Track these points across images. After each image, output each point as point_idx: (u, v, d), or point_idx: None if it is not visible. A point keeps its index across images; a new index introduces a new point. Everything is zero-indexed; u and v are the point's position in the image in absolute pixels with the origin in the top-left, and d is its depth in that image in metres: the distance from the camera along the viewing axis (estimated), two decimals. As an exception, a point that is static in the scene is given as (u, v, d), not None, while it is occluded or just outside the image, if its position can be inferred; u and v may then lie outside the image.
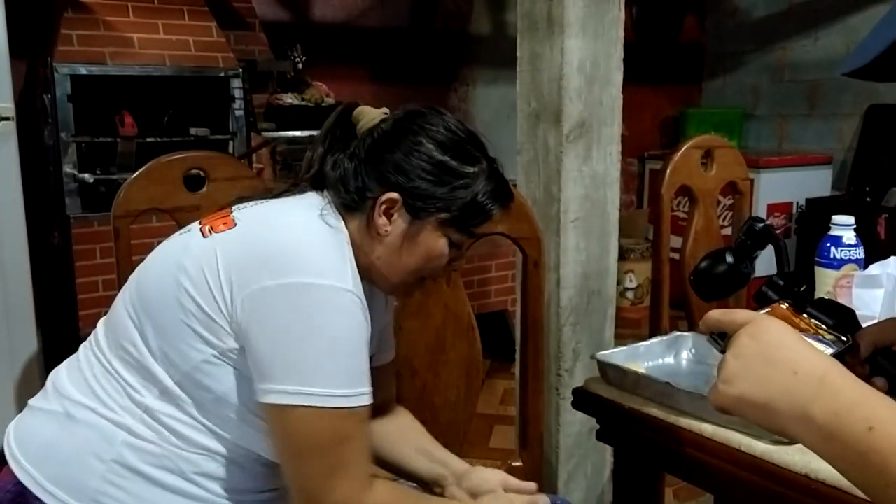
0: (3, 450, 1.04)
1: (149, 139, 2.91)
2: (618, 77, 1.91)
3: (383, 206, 1.04)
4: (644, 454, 1.27)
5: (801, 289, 0.99)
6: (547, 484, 1.93)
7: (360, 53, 3.97)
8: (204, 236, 1.01)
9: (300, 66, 3.50)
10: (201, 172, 1.36)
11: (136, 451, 0.99)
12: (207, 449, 1.01)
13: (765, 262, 1.17)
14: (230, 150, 3.08)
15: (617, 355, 1.32)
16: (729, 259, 1.17)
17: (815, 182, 4.32)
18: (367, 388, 0.98)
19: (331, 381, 0.94)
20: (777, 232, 1.18)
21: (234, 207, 1.06)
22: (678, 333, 1.42)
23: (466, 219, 1.06)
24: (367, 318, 0.99)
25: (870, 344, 0.96)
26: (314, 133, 3.20)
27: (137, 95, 2.99)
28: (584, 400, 1.31)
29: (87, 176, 2.82)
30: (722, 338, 0.76)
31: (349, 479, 0.96)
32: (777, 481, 1.01)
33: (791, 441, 0.96)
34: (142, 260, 1.09)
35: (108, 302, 1.10)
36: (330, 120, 1.12)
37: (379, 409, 1.24)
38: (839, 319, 0.91)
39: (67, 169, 2.80)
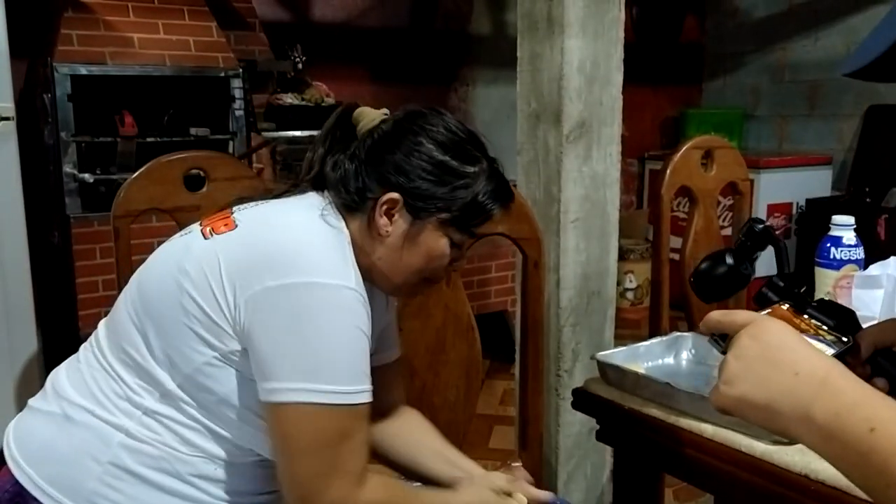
0: (2, 450, 1.04)
1: (149, 139, 2.91)
2: (618, 77, 1.91)
3: (384, 207, 1.04)
4: (644, 454, 1.27)
5: (802, 290, 1.00)
6: (547, 484, 1.93)
7: (360, 53, 3.97)
8: (205, 238, 1.01)
9: (300, 66, 3.50)
10: (201, 172, 1.36)
11: (132, 452, 0.99)
12: (206, 451, 1.01)
13: (765, 263, 1.17)
14: (230, 150, 3.08)
15: (617, 356, 1.32)
16: (729, 260, 1.17)
17: (815, 182, 4.32)
18: (368, 386, 0.98)
19: (334, 377, 0.94)
20: (777, 232, 1.18)
21: (234, 208, 1.06)
22: (678, 334, 1.41)
23: (467, 219, 1.06)
24: (370, 316, 1.00)
25: (870, 344, 0.96)
26: (314, 133, 3.20)
27: (137, 95, 2.99)
28: (583, 400, 1.31)
29: (87, 176, 2.82)
30: (723, 339, 0.76)
31: (344, 477, 0.97)
32: (777, 482, 1.01)
33: (791, 442, 0.97)
34: (142, 260, 1.08)
35: (108, 302, 1.10)
36: (330, 121, 1.12)
37: (391, 411, 1.24)
38: (840, 320, 0.91)
39: (67, 169, 2.80)
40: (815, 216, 4.09)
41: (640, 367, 1.30)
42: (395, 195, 1.03)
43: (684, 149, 1.81)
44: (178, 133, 3.00)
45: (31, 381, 2.26)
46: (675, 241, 1.82)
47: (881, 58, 0.69)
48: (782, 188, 4.21)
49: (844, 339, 0.88)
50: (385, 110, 1.11)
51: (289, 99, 3.38)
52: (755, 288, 1.07)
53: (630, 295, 4.18)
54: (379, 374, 1.22)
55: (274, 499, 1.08)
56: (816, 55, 4.49)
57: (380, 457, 1.25)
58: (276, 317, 0.94)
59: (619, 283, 3.32)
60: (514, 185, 1.14)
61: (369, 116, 1.09)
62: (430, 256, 1.06)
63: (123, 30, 2.94)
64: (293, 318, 0.93)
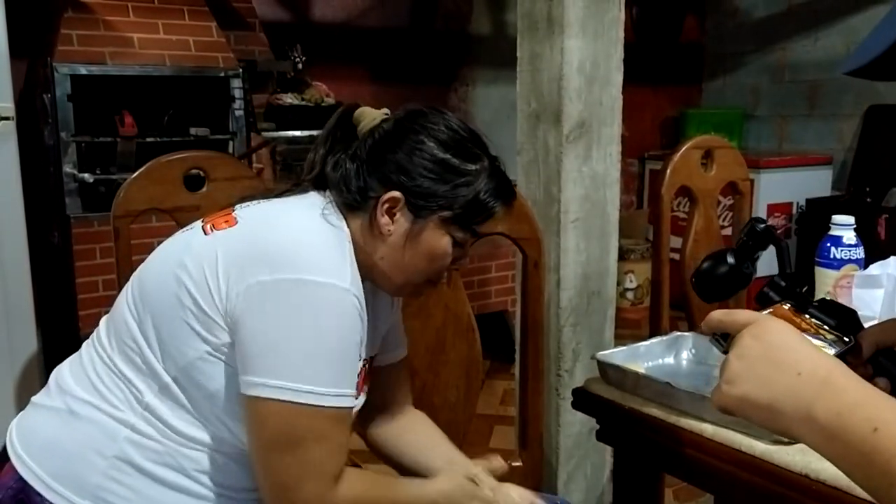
0: (5, 447, 1.05)
1: (149, 139, 2.90)
2: (618, 77, 1.91)
3: (386, 206, 1.04)
4: (644, 454, 1.27)
5: (803, 289, 0.99)
6: (547, 484, 1.93)
7: (360, 53, 3.97)
8: (205, 234, 1.02)
9: (300, 66, 3.50)
10: (201, 172, 1.36)
11: (138, 447, 0.99)
12: (208, 446, 1.01)
13: (766, 263, 1.17)
14: (230, 150, 3.08)
15: (617, 355, 1.32)
16: (730, 260, 1.17)
17: (816, 182, 4.32)
18: (350, 391, 0.98)
19: (313, 378, 0.94)
20: (777, 232, 1.18)
21: (236, 206, 1.07)
22: (678, 333, 1.41)
23: (469, 217, 1.06)
24: (364, 319, 0.99)
25: (872, 344, 0.95)
26: (314, 133, 3.22)
27: (137, 95, 2.98)
28: (583, 400, 1.31)
29: (87, 176, 2.82)
30: (724, 338, 0.76)
31: (319, 478, 0.96)
32: (777, 482, 1.01)
33: (791, 441, 0.97)
34: (142, 260, 1.09)
35: (108, 302, 1.10)
36: (331, 121, 1.12)
37: (398, 412, 1.24)
38: (841, 320, 0.91)
39: (67, 169, 2.80)
40: (815, 216, 4.09)
41: (640, 367, 1.30)
42: (396, 194, 1.03)
43: (684, 149, 1.81)
44: (178, 133, 3.00)
45: (31, 380, 2.25)
46: (675, 241, 1.82)
47: (881, 56, 0.69)
48: (782, 188, 4.21)
49: (846, 339, 0.88)
50: (386, 110, 1.11)
51: (289, 99, 3.38)
52: (756, 288, 1.07)
53: (630, 295, 4.18)
54: (384, 373, 1.22)
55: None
56: (816, 55, 4.49)
57: (384, 457, 1.25)
58: (264, 311, 0.94)
59: (619, 283, 3.32)
60: (514, 185, 1.13)
61: (370, 116, 1.09)
62: (433, 255, 1.06)
63: (123, 30, 2.94)
64: (282, 314, 0.93)
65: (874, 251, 1.54)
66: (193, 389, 0.99)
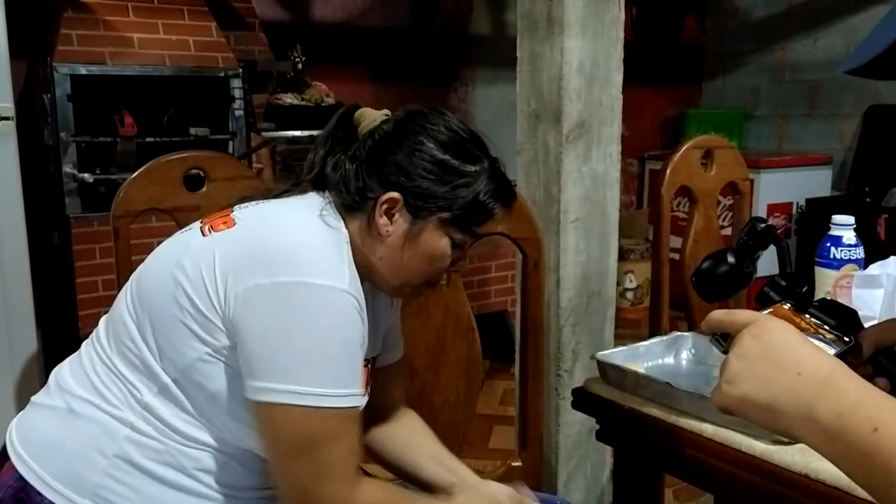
0: (5, 446, 1.05)
1: (148, 139, 2.90)
2: (618, 77, 1.91)
3: (384, 206, 1.04)
4: (644, 454, 1.27)
5: (804, 289, 0.99)
6: (547, 484, 1.93)
7: (360, 53, 3.97)
8: (204, 235, 1.02)
9: (300, 66, 3.50)
10: (201, 172, 1.36)
11: (138, 446, 0.99)
12: (208, 445, 1.01)
13: (766, 263, 1.16)
14: (230, 150, 3.08)
15: (617, 355, 1.32)
16: (731, 259, 1.17)
17: (815, 182, 4.32)
18: (358, 390, 0.98)
19: (320, 380, 0.94)
20: (777, 232, 1.18)
21: (235, 207, 1.07)
22: (678, 333, 1.41)
23: (468, 218, 1.06)
24: (364, 319, 0.99)
25: (872, 344, 0.95)
26: (314, 133, 3.22)
27: (137, 95, 2.98)
28: (583, 400, 1.31)
29: (86, 176, 2.82)
30: (724, 338, 0.76)
31: (337, 479, 0.97)
32: (777, 481, 1.01)
33: (791, 441, 0.97)
34: (142, 260, 1.09)
35: (108, 302, 1.10)
36: (331, 122, 1.12)
37: (389, 411, 1.24)
38: (841, 320, 0.91)
39: (67, 169, 2.80)
40: (815, 216, 4.09)
41: (640, 367, 1.30)
42: (395, 194, 1.03)
43: (684, 149, 1.81)
44: (178, 133, 3.00)
45: (31, 380, 2.25)
46: (675, 241, 1.82)
47: (882, 55, 0.69)
48: (782, 188, 4.21)
49: (846, 339, 0.88)
50: (386, 111, 1.11)
51: (288, 99, 3.38)
52: (756, 287, 1.07)
53: (630, 295, 4.18)
54: (381, 374, 1.22)
55: (277, 494, 1.08)
56: (816, 55, 4.49)
57: (373, 456, 1.25)
58: (265, 315, 0.94)
59: (619, 283, 3.32)
60: (514, 185, 1.13)
61: (370, 117, 1.09)
62: (432, 256, 1.06)
63: (123, 30, 2.94)
64: (282, 317, 0.93)
65: (874, 251, 1.54)
66: (194, 390, 0.99)
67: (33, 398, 1.09)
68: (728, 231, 2.46)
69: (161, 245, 1.07)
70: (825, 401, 0.64)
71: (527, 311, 1.50)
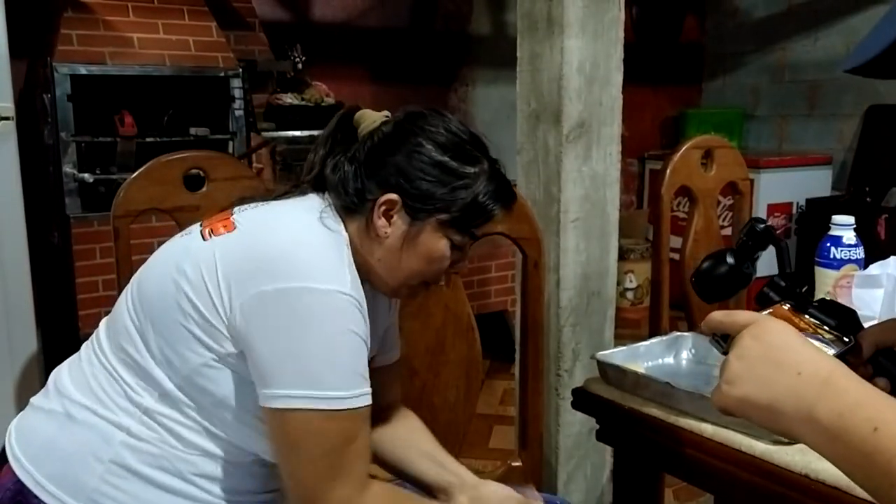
0: (3, 449, 1.05)
1: (148, 139, 2.90)
2: (618, 77, 1.91)
3: (382, 208, 1.03)
4: (644, 454, 1.27)
5: (803, 289, 0.99)
6: (547, 484, 1.93)
7: (360, 53, 3.97)
8: (204, 239, 1.01)
9: (300, 66, 3.50)
10: (201, 172, 1.36)
11: (134, 451, 0.99)
12: (206, 451, 1.01)
13: (766, 263, 1.16)
14: (230, 150, 3.08)
15: (617, 355, 1.32)
16: (730, 260, 1.17)
17: (815, 182, 4.32)
18: (368, 389, 0.98)
19: (334, 383, 0.94)
20: (777, 232, 1.18)
21: (234, 210, 1.06)
22: (678, 333, 1.42)
23: (467, 219, 1.06)
24: (367, 319, 0.99)
25: (872, 344, 0.95)
26: (314, 133, 3.22)
27: (137, 95, 2.98)
28: (583, 400, 1.31)
29: (86, 176, 2.82)
30: (724, 339, 0.76)
31: (348, 481, 0.97)
32: (777, 482, 1.01)
33: (791, 441, 0.97)
34: (142, 260, 1.09)
35: (108, 302, 1.10)
36: (332, 123, 1.12)
37: (386, 410, 1.24)
38: (841, 320, 0.91)
39: (67, 169, 2.80)
40: (815, 216, 4.09)
41: (640, 367, 1.30)
42: (393, 196, 1.03)
43: (684, 149, 1.81)
44: (178, 133, 3.00)
45: (31, 381, 2.25)
46: (675, 241, 1.82)
47: (882, 55, 0.69)
48: (782, 188, 4.21)
49: (846, 339, 0.88)
50: (386, 112, 1.11)
51: (288, 99, 3.38)
52: (756, 288, 1.06)
53: (630, 295, 4.18)
54: (378, 375, 1.22)
55: (275, 498, 1.08)
56: (816, 55, 4.49)
57: (372, 456, 1.25)
58: (272, 322, 0.94)
59: (619, 283, 3.32)
60: (514, 185, 1.13)
61: (370, 118, 1.09)
62: (430, 258, 1.06)
63: (123, 30, 2.94)
64: (289, 324, 0.93)
65: (874, 251, 1.54)
66: (199, 395, 0.99)
67: (32, 400, 1.09)
68: (728, 231, 2.46)
69: (160, 248, 1.07)
70: (825, 401, 0.64)
71: (527, 311, 1.50)
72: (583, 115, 1.85)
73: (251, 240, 1.00)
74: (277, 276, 0.94)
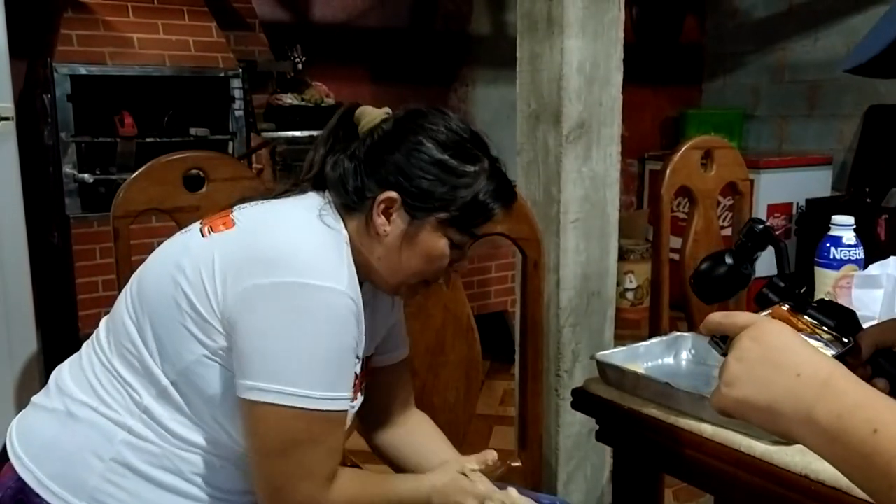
0: (5, 447, 1.05)
1: (148, 139, 2.90)
2: (617, 78, 1.91)
3: (382, 206, 1.03)
4: (644, 455, 1.27)
5: (802, 290, 0.99)
6: (547, 485, 1.93)
7: (360, 54, 3.97)
8: (203, 237, 1.02)
9: (300, 66, 3.50)
10: (201, 173, 1.36)
11: (135, 450, 0.99)
12: (205, 449, 1.01)
13: (765, 264, 1.16)
14: (230, 150, 3.08)
15: (616, 356, 1.32)
16: (729, 261, 1.17)
17: (815, 183, 4.32)
18: (346, 394, 0.98)
19: (308, 382, 0.94)
20: (777, 233, 1.18)
21: (234, 208, 1.06)
22: (678, 334, 1.41)
23: (467, 218, 1.05)
24: (361, 321, 0.99)
25: (871, 345, 0.96)
26: (314, 133, 3.22)
27: (137, 95, 2.98)
28: (583, 400, 1.31)
29: (86, 176, 2.81)
30: (723, 340, 0.76)
31: (313, 480, 0.97)
32: (777, 482, 1.01)
33: (791, 442, 0.97)
34: (142, 260, 1.09)
35: (108, 302, 1.10)
36: (332, 121, 1.12)
37: (397, 412, 1.24)
38: (840, 321, 0.91)
39: (67, 169, 2.80)
40: (815, 216, 4.09)
41: (640, 367, 1.30)
42: (392, 194, 1.03)
43: (684, 149, 1.81)
44: (178, 133, 3.00)
45: (31, 381, 2.26)
46: (675, 241, 1.82)
47: (881, 54, 0.69)
48: (782, 188, 4.21)
49: (845, 340, 0.88)
50: (387, 109, 1.10)
51: (288, 99, 3.38)
52: (756, 288, 1.07)
53: (630, 295, 4.18)
54: (386, 373, 1.22)
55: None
56: (816, 55, 4.49)
57: (383, 458, 1.25)
58: (261, 314, 0.94)
59: (619, 284, 3.32)
60: (514, 186, 1.13)
61: (371, 115, 1.09)
62: (430, 257, 1.06)
63: (123, 30, 2.94)
64: (278, 318, 0.93)
65: (874, 251, 1.54)
66: (191, 393, 0.99)
67: (34, 398, 1.09)
68: (728, 231, 2.46)
69: (161, 246, 1.07)
70: (824, 402, 0.64)
71: (526, 312, 1.50)
72: (583, 115, 1.85)
73: (250, 237, 1.00)
74: (274, 270, 0.94)
